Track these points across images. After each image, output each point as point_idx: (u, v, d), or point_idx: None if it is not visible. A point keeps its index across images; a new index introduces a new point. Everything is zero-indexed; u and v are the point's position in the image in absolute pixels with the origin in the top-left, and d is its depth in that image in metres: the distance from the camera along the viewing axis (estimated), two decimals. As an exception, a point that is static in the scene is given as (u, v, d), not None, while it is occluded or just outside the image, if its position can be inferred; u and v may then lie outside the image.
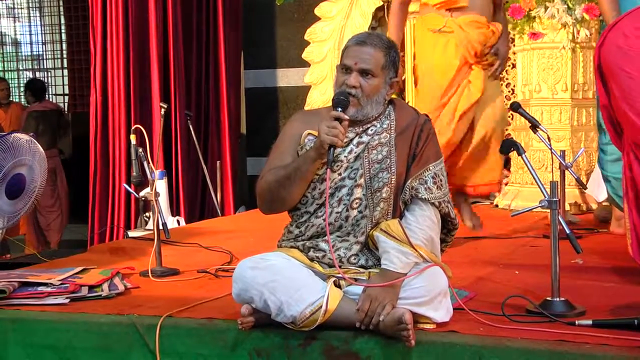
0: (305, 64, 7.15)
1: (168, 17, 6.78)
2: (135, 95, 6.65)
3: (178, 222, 6.18)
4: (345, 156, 2.62)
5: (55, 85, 10.72)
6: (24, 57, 11.50)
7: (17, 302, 2.98)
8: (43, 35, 10.97)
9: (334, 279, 2.54)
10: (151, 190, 3.56)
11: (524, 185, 5.66)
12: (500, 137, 4.13)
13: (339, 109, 2.52)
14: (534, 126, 3.97)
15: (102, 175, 6.73)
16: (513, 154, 3.03)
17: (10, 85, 9.13)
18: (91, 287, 3.12)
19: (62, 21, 10.49)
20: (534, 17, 5.53)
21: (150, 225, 5.53)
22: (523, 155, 2.86)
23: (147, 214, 6.08)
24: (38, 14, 11.08)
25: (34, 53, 11.39)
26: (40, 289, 3.06)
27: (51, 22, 10.73)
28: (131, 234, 5.61)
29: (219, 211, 6.59)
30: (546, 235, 4.05)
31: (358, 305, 2.45)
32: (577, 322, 2.46)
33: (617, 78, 2.87)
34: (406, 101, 5.80)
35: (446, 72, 4.03)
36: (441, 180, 2.64)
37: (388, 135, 2.64)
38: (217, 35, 7.24)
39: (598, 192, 5.09)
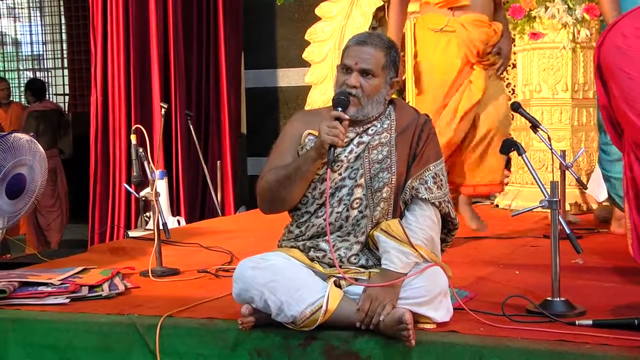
0: (305, 64, 7.15)
1: (168, 17, 6.78)
2: (135, 95, 6.66)
3: (178, 222, 6.19)
4: (345, 156, 2.62)
5: (55, 85, 10.73)
6: (24, 57, 11.50)
7: (17, 302, 2.98)
8: (43, 35, 10.98)
9: (334, 278, 2.54)
10: (151, 190, 3.56)
11: (524, 185, 5.66)
12: (504, 136, 4.09)
13: (340, 109, 2.52)
14: (535, 126, 3.97)
15: (102, 175, 6.73)
16: (513, 154, 3.03)
17: (11, 85, 9.14)
18: (91, 287, 3.12)
19: (63, 21, 10.50)
20: (535, 17, 5.53)
21: (150, 225, 5.53)
22: (523, 155, 2.86)
23: (147, 213, 6.08)
24: (38, 14, 11.09)
25: (35, 53, 11.39)
26: (40, 288, 3.06)
27: (51, 21, 10.74)
28: (131, 233, 5.62)
29: (219, 211, 6.59)
30: (546, 235, 4.06)
31: (358, 305, 2.45)
32: (577, 322, 2.46)
33: (616, 78, 2.87)
34: (406, 101, 5.80)
35: (448, 72, 4.03)
36: (441, 180, 2.64)
37: (388, 135, 2.64)
38: (217, 35, 7.25)
39: (598, 192, 5.09)
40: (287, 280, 2.48)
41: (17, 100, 9.65)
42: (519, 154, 2.88)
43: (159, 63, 6.69)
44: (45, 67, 11.09)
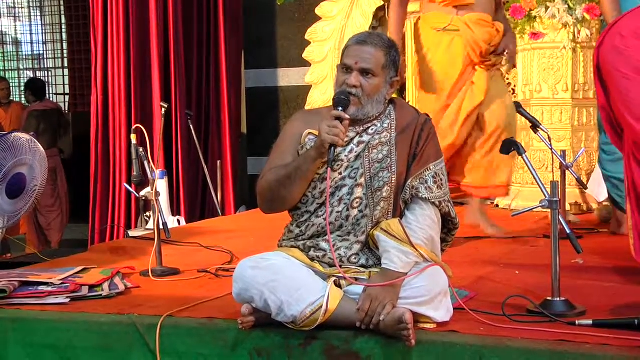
0: (306, 64, 7.15)
1: (169, 16, 6.78)
2: (136, 95, 6.66)
3: (178, 221, 6.19)
4: (345, 155, 2.62)
5: (55, 85, 10.73)
6: (24, 57, 11.51)
7: (17, 301, 2.98)
8: (44, 34, 10.98)
9: (334, 278, 2.54)
10: (152, 189, 3.56)
11: (524, 185, 5.66)
12: (511, 134, 4.03)
13: (340, 109, 2.52)
14: (535, 126, 3.97)
15: (102, 174, 6.73)
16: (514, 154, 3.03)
17: (11, 85, 9.14)
18: (92, 287, 3.12)
19: (63, 20, 10.50)
20: (535, 17, 5.52)
21: (150, 225, 5.52)
22: (523, 155, 2.86)
23: (147, 213, 6.08)
24: (39, 14, 11.09)
25: (35, 52, 11.40)
26: (40, 288, 3.06)
27: (52, 21, 10.74)
28: (132, 233, 5.61)
29: (219, 211, 6.58)
30: (546, 235, 4.06)
31: (358, 304, 2.45)
32: (577, 322, 2.46)
33: (614, 79, 2.87)
34: (407, 101, 5.80)
35: (450, 71, 4.01)
36: (442, 180, 2.64)
37: (389, 135, 2.64)
38: (217, 35, 7.24)
39: (598, 192, 5.09)
40: (287, 280, 2.48)
41: (17, 99, 9.65)
42: (519, 154, 2.88)
43: (159, 63, 6.69)
44: (46, 66, 11.10)
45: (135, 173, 3.73)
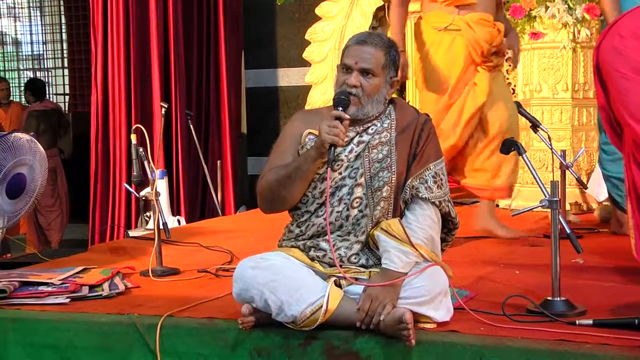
0: (306, 64, 7.15)
1: (169, 16, 6.79)
2: (136, 95, 6.66)
3: (178, 221, 6.19)
4: (345, 155, 2.62)
5: (55, 85, 10.74)
6: (24, 57, 11.51)
7: (17, 301, 2.98)
8: (43, 34, 10.99)
9: (334, 278, 2.54)
10: (152, 189, 3.56)
11: (524, 185, 5.66)
12: (515, 135, 4.04)
13: (340, 109, 2.52)
14: (535, 126, 3.96)
15: (102, 174, 6.74)
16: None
17: (11, 85, 9.14)
18: (92, 287, 3.12)
19: (63, 21, 10.51)
20: (535, 17, 5.53)
21: (150, 225, 5.53)
22: (524, 155, 2.86)
23: (147, 213, 6.08)
24: (38, 14, 11.10)
25: (35, 52, 11.40)
26: (40, 288, 3.06)
27: (52, 21, 10.75)
28: (132, 233, 5.61)
29: (219, 211, 6.58)
30: (546, 234, 4.05)
31: (358, 304, 2.45)
32: (577, 322, 2.46)
33: (613, 79, 2.87)
34: (407, 101, 5.80)
35: (452, 70, 4.00)
36: (441, 180, 2.64)
37: (388, 135, 2.64)
38: (217, 35, 7.25)
39: (599, 191, 5.09)
40: (287, 280, 2.48)
41: (17, 100, 9.65)
42: (519, 154, 2.89)
43: (159, 63, 6.69)
44: (46, 66, 11.10)
45: (135, 173, 3.73)
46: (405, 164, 2.61)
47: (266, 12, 7.73)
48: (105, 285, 3.15)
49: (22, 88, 9.20)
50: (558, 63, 5.60)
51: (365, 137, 2.64)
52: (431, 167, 2.62)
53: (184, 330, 2.66)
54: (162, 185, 5.71)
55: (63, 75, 10.58)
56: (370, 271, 2.57)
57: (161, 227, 3.53)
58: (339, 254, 2.59)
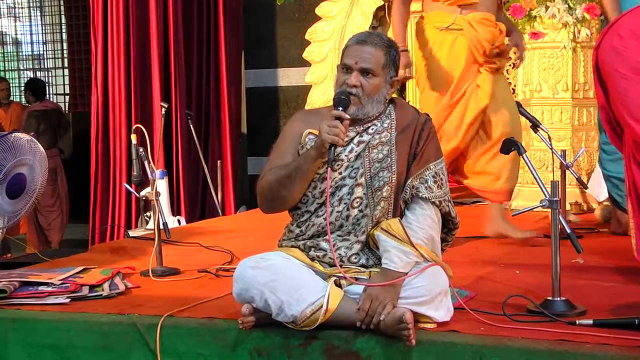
0: (306, 64, 7.15)
1: (169, 16, 6.79)
2: (136, 95, 6.66)
3: (179, 221, 6.19)
4: (345, 155, 2.62)
5: (55, 85, 10.74)
6: (24, 57, 11.52)
7: (17, 301, 2.98)
8: (44, 34, 10.99)
9: (334, 278, 2.54)
10: (152, 189, 3.56)
11: (524, 185, 5.66)
12: (518, 137, 4.02)
13: (340, 108, 2.52)
14: (535, 126, 3.96)
15: (103, 174, 6.74)
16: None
17: (11, 85, 9.14)
18: (92, 287, 3.12)
19: (63, 20, 10.51)
20: (535, 17, 5.52)
21: (151, 225, 5.52)
22: (524, 155, 2.86)
23: (147, 213, 6.08)
24: (39, 14, 11.10)
25: (35, 52, 11.41)
26: (40, 288, 3.06)
27: (52, 21, 10.75)
28: (132, 233, 5.61)
29: (219, 211, 6.58)
30: (547, 234, 4.05)
31: (359, 304, 2.45)
32: (577, 322, 2.46)
33: (612, 79, 2.87)
34: (407, 101, 5.79)
35: (454, 70, 3.98)
36: (442, 179, 2.64)
37: (389, 134, 2.64)
38: (217, 35, 7.24)
39: (599, 191, 5.09)
40: (287, 280, 2.48)
41: (17, 100, 9.66)
42: (520, 154, 2.89)
43: (159, 63, 6.69)
44: (46, 66, 11.10)
45: (135, 173, 3.73)
46: (405, 163, 2.61)
47: (266, 12, 7.73)
48: (106, 285, 3.15)
49: (22, 88, 9.21)
50: (558, 63, 5.60)
51: (366, 137, 2.64)
52: (431, 167, 2.62)
53: (184, 330, 2.66)
54: (162, 185, 5.71)
55: (63, 75, 10.58)
56: (370, 271, 2.56)
57: (161, 227, 3.53)
58: (339, 254, 2.59)
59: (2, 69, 11.22)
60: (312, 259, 2.62)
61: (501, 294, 2.79)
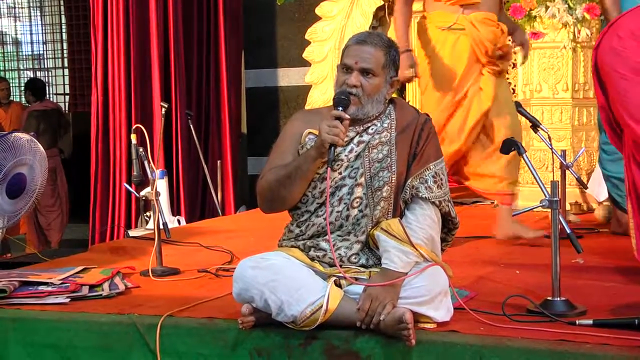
0: (306, 64, 7.15)
1: (169, 16, 6.79)
2: (136, 95, 6.66)
3: (179, 221, 6.19)
4: (345, 155, 2.62)
5: (55, 85, 10.74)
6: (24, 57, 11.52)
7: (17, 301, 2.98)
8: (44, 34, 10.99)
9: (334, 278, 2.54)
10: (152, 189, 3.56)
11: (524, 185, 5.65)
12: (519, 138, 4.02)
13: (340, 108, 2.52)
14: (535, 126, 3.96)
15: (102, 174, 6.74)
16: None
17: (11, 85, 9.14)
18: (92, 287, 3.12)
19: (63, 20, 10.51)
20: (535, 17, 5.52)
21: (150, 225, 5.52)
22: (524, 155, 2.86)
23: (147, 213, 6.08)
24: (39, 14, 11.10)
25: (35, 52, 11.41)
26: (40, 288, 3.06)
27: (52, 21, 10.75)
28: (132, 233, 5.62)
29: (219, 211, 6.58)
30: (547, 234, 4.05)
31: (359, 304, 2.45)
32: (577, 322, 2.46)
33: (612, 79, 2.87)
34: (407, 101, 5.79)
35: (456, 69, 3.98)
36: (441, 179, 2.64)
37: (389, 134, 2.64)
38: (217, 35, 7.24)
39: (599, 191, 5.09)
40: (287, 280, 2.48)
41: (17, 100, 9.66)
42: (520, 154, 2.89)
43: (159, 63, 6.69)
44: (46, 66, 11.11)
45: (135, 173, 3.73)
46: (405, 163, 2.61)
47: (266, 12, 7.73)
48: (105, 285, 3.15)
49: (22, 88, 9.21)
50: (558, 63, 5.59)
51: (366, 137, 2.64)
52: (431, 167, 2.62)
53: (184, 330, 2.66)
54: (162, 185, 5.71)
55: (63, 75, 10.58)
56: (370, 271, 2.57)
57: (161, 227, 3.53)
58: (339, 254, 2.59)
59: (2, 69, 11.22)
60: (312, 259, 2.62)
61: (501, 294, 2.79)
